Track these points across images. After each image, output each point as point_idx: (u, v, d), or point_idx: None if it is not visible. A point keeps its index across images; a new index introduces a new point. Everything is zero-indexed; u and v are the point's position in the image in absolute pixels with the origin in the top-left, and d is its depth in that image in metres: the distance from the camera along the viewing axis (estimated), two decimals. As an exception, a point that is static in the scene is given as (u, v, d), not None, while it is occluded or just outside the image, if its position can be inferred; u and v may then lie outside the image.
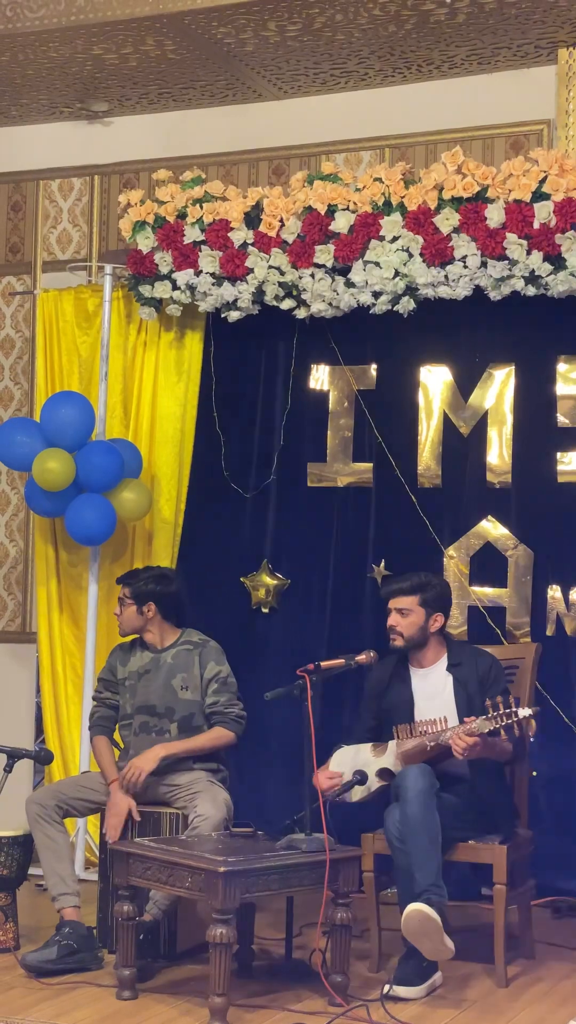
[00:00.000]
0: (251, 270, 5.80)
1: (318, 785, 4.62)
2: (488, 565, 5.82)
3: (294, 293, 5.80)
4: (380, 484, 5.99)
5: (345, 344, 6.01)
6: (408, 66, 6.14)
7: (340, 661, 4.71)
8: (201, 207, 5.90)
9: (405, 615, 4.86)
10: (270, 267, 5.77)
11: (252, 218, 5.83)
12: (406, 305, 5.60)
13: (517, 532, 5.79)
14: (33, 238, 6.96)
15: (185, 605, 5.31)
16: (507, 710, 4.47)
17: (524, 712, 4.49)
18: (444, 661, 4.89)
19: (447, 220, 5.45)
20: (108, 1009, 4.30)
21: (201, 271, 5.90)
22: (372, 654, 4.78)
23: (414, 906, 4.28)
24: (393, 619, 4.87)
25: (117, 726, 5.19)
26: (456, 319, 5.74)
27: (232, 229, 5.83)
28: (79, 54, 6.14)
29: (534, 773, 5.02)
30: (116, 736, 5.25)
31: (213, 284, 5.90)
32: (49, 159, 6.92)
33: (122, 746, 5.19)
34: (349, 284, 5.66)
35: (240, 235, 5.81)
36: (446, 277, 5.51)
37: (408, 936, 4.33)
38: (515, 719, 4.47)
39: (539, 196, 5.35)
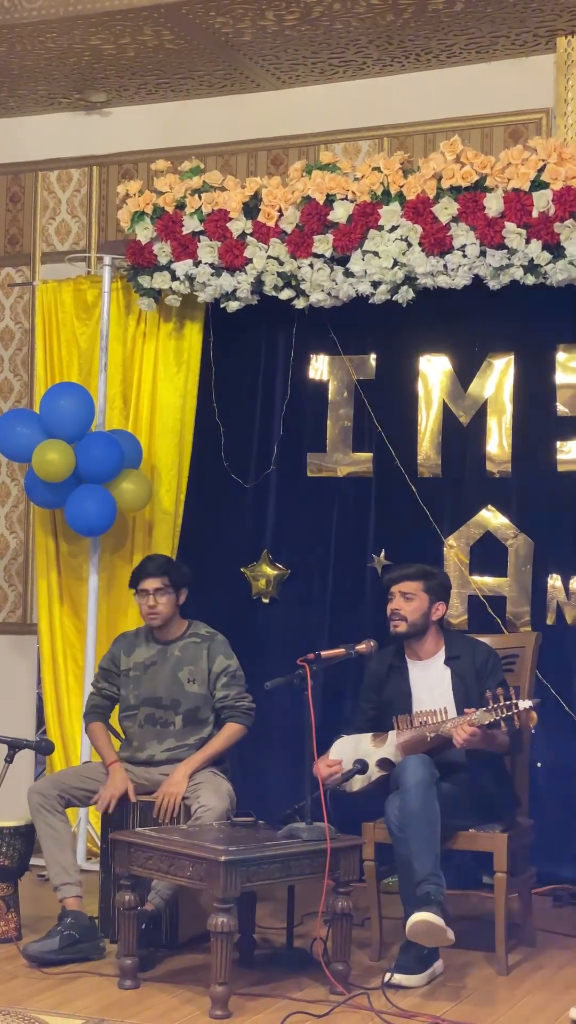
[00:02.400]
0: (250, 260, 5.80)
1: (318, 774, 4.63)
2: (488, 554, 5.83)
3: (293, 283, 5.80)
4: (380, 474, 5.99)
5: (344, 334, 6.01)
6: (406, 55, 6.13)
7: (341, 651, 4.71)
8: (200, 197, 5.90)
9: (409, 599, 4.86)
10: (269, 257, 5.77)
11: (251, 208, 5.82)
12: (405, 295, 5.60)
13: (517, 521, 5.79)
14: (32, 229, 6.95)
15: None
16: (507, 702, 4.48)
17: (524, 704, 4.49)
18: (442, 654, 4.90)
19: (446, 209, 5.45)
20: (110, 998, 4.31)
21: (200, 261, 5.90)
22: (372, 643, 4.78)
23: (420, 916, 4.28)
24: (397, 603, 4.87)
25: (120, 717, 5.18)
26: (455, 308, 5.74)
27: (231, 219, 5.82)
28: (77, 44, 6.13)
29: (539, 764, 5.01)
30: (116, 725, 5.25)
31: (212, 274, 5.90)
32: (47, 150, 6.91)
33: (123, 736, 5.19)
34: (348, 274, 5.66)
35: (239, 225, 5.80)
36: (445, 266, 5.51)
37: (412, 939, 4.34)
38: (515, 711, 4.47)
39: (538, 185, 5.34)
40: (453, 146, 5.51)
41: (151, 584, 5.11)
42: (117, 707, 5.22)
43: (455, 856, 5.21)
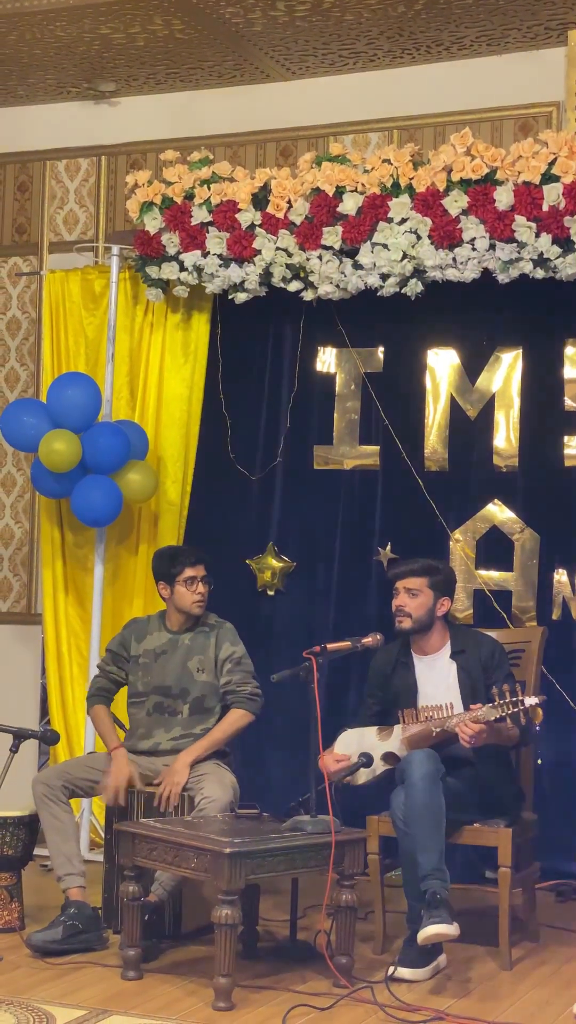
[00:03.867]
0: (258, 251, 5.78)
1: (325, 767, 4.63)
2: (494, 549, 5.82)
3: (301, 275, 5.78)
4: (387, 467, 5.98)
5: (352, 326, 6.00)
6: (417, 47, 6.11)
7: (346, 643, 4.71)
8: (209, 188, 5.88)
9: (414, 595, 4.85)
10: (277, 249, 5.76)
11: (260, 199, 5.81)
12: (414, 287, 5.59)
13: (523, 516, 5.78)
14: (40, 219, 6.94)
15: None
16: (513, 698, 4.47)
17: (530, 700, 4.48)
18: (448, 648, 4.88)
19: (456, 202, 5.43)
20: (113, 989, 4.31)
21: (208, 252, 5.89)
22: (378, 636, 4.77)
23: (433, 930, 4.27)
24: (401, 599, 4.85)
25: (128, 703, 5.16)
26: (464, 302, 5.72)
27: (240, 210, 5.80)
28: (86, 34, 6.11)
29: (539, 762, 5.01)
30: (121, 714, 5.24)
31: (220, 265, 5.89)
32: (56, 139, 6.90)
33: (127, 726, 5.18)
34: (357, 266, 5.64)
35: (247, 216, 5.79)
36: (454, 259, 5.49)
37: (423, 944, 4.35)
38: (521, 707, 4.46)
39: (548, 178, 5.33)
40: (463, 139, 5.49)
41: (201, 571, 5.08)
42: (121, 692, 5.20)
43: (459, 850, 5.20)
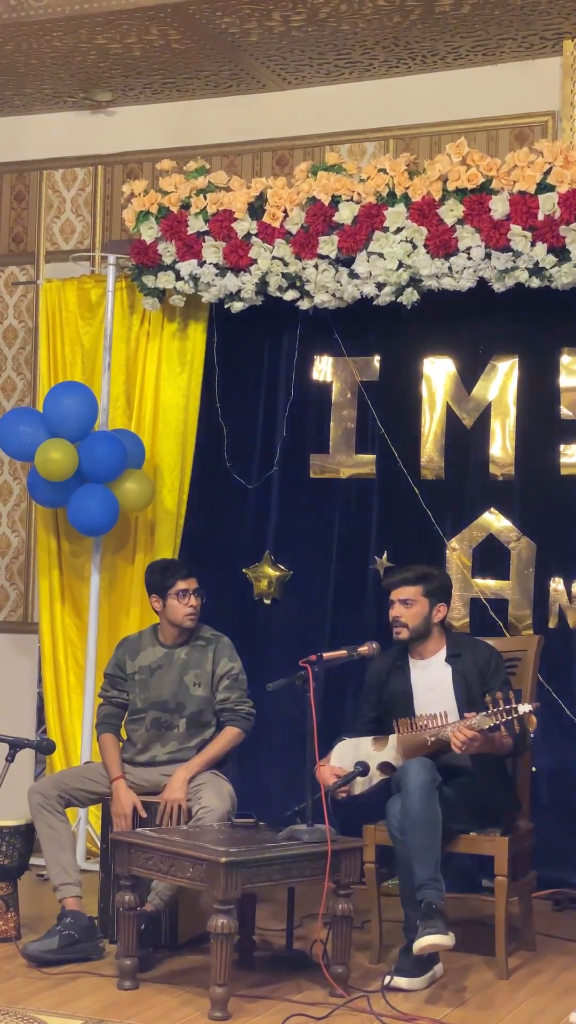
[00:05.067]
0: (254, 261, 5.79)
1: (323, 780, 4.63)
2: (491, 557, 5.82)
3: (297, 284, 5.79)
4: (383, 476, 5.98)
5: (348, 335, 6.01)
6: (413, 57, 6.13)
7: (342, 652, 4.70)
8: (205, 197, 5.89)
9: (409, 605, 4.85)
10: (273, 258, 5.76)
11: (256, 208, 5.82)
12: (410, 296, 5.59)
13: (520, 524, 5.79)
14: (36, 228, 6.95)
15: None
16: (507, 706, 4.46)
17: (524, 708, 4.47)
18: (444, 652, 4.89)
19: (451, 211, 5.44)
20: (109, 999, 4.30)
21: (204, 261, 5.89)
22: (374, 645, 4.77)
23: (429, 940, 4.27)
24: (397, 610, 4.86)
25: (126, 721, 5.15)
26: (460, 311, 5.73)
27: (236, 220, 5.81)
28: (83, 43, 6.12)
29: (534, 769, 5.01)
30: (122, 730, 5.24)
31: (216, 275, 5.89)
32: (53, 149, 6.91)
33: (125, 738, 5.17)
34: (353, 275, 5.65)
35: (244, 226, 5.80)
36: (450, 268, 5.50)
37: (418, 954, 4.34)
38: (515, 715, 4.46)
39: (544, 188, 5.34)
40: (459, 148, 5.50)
41: (193, 584, 5.08)
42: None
43: (456, 859, 5.20)
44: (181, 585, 5.06)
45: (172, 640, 5.12)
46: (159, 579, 5.12)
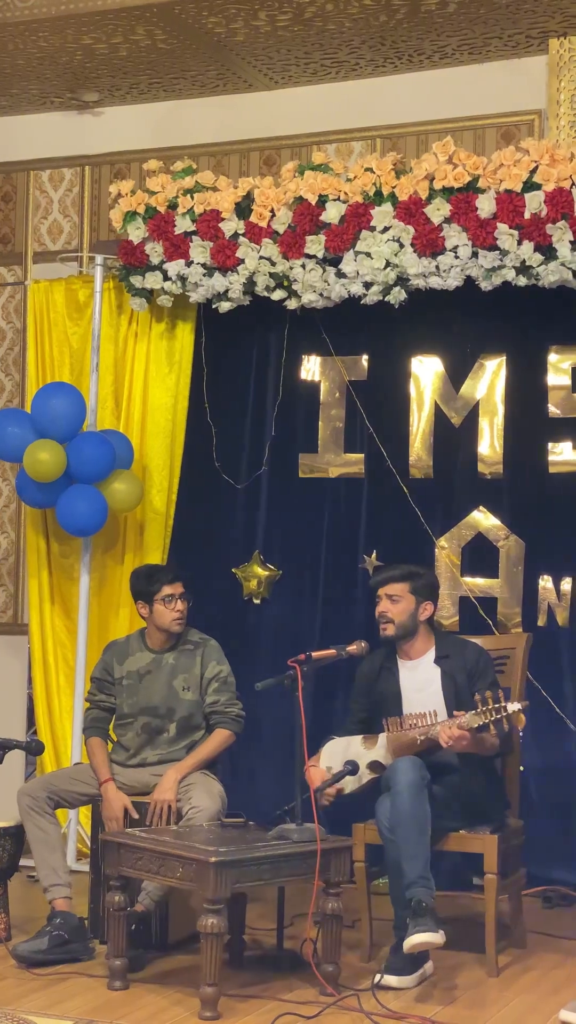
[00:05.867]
0: (242, 261, 5.79)
1: (311, 781, 4.63)
2: (479, 556, 5.82)
3: (285, 284, 5.79)
4: (371, 475, 5.99)
5: (336, 335, 6.01)
6: (399, 56, 6.13)
7: (331, 651, 4.71)
8: (192, 197, 5.89)
9: (396, 601, 4.85)
10: (261, 258, 5.76)
11: (243, 208, 5.81)
12: (397, 296, 5.60)
13: (508, 522, 5.80)
14: (24, 229, 6.94)
15: None
16: (496, 705, 4.47)
17: (513, 707, 4.48)
18: (432, 653, 4.89)
19: (438, 210, 5.44)
20: (99, 999, 4.30)
21: (192, 261, 5.89)
22: (363, 644, 4.77)
23: (419, 939, 4.27)
24: (384, 606, 4.87)
25: (114, 725, 5.15)
26: (447, 309, 5.73)
27: (223, 219, 5.81)
28: (69, 44, 6.12)
29: (522, 768, 5.02)
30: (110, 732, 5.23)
31: (204, 275, 5.89)
32: (39, 149, 6.90)
33: (114, 739, 5.17)
34: (340, 275, 5.65)
35: (231, 225, 5.80)
36: (437, 267, 5.50)
37: (408, 952, 4.35)
38: (504, 714, 4.46)
39: (530, 186, 5.34)
40: (445, 147, 5.50)
41: (179, 588, 5.07)
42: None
43: (445, 857, 5.21)
44: (167, 590, 5.05)
45: (160, 645, 5.12)
46: (144, 585, 5.10)
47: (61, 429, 5.93)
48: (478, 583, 5.83)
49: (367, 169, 5.61)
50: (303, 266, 5.70)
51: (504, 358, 5.83)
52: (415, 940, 4.28)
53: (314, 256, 5.67)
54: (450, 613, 5.80)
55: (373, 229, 5.56)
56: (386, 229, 5.54)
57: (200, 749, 4.97)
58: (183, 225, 5.89)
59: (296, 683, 4.46)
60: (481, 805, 4.73)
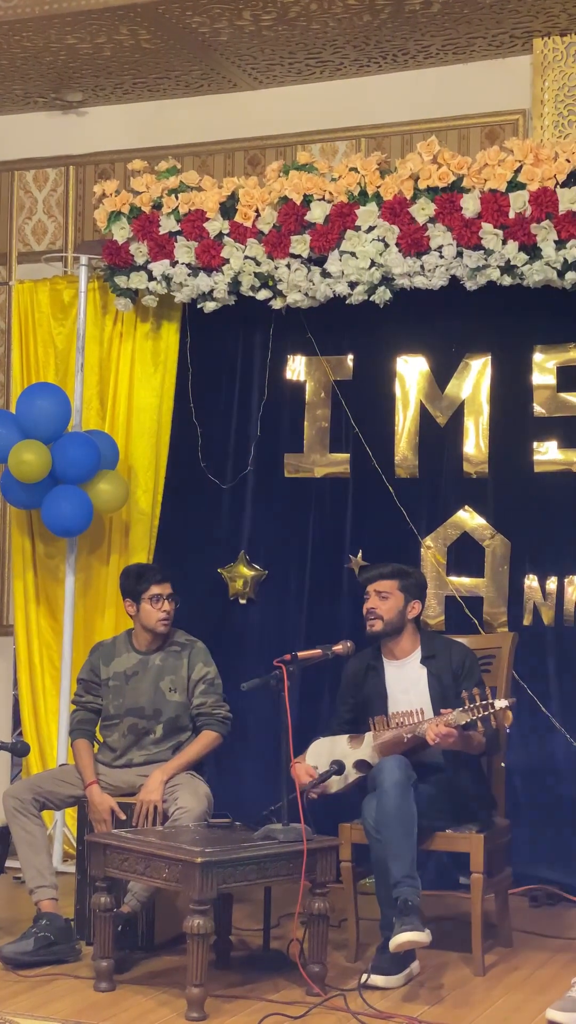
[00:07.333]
0: (227, 260, 5.78)
1: (297, 778, 4.62)
2: (465, 555, 5.83)
3: (270, 283, 5.79)
4: (357, 475, 5.99)
5: (321, 335, 6.01)
6: (383, 56, 6.13)
7: (317, 651, 4.70)
8: (176, 197, 5.88)
9: (384, 598, 4.86)
10: (246, 257, 5.76)
11: (228, 208, 5.81)
12: (382, 295, 5.60)
13: (494, 522, 5.80)
14: (8, 229, 6.93)
15: None
16: (483, 702, 4.47)
17: (500, 703, 4.49)
18: (418, 653, 4.89)
19: (423, 210, 5.45)
20: (85, 1001, 4.30)
21: (177, 261, 5.88)
22: (349, 644, 4.77)
23: (405, 937, 4.27)
24: (373, 602, 4.87)
25: (100, 727, 5.14)
26: (432, 309, 5.73)
27: (208, 219, 5.81)
28: (53, 44, 6.11)
29: (503, 764, 5.03)
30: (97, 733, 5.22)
31: (189, 275, 5.88)
32: (23, 149, 6.89)
33: (101, 740, 5.16)
34: (325, 274, 5.65)
35: (216, 225, 5.79)
36: (422, 267, 5.51)
37: (395, 952, 4.34)
38: (491, 711, 4.47)
39: (514, 186, 5.35)
40: (430, 147, 5.50)
41: (167, 588, 5.07)
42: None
43: (432, 857, 5.21)
44: (155, 590, 5.05)
45: (146, 646, 5.11)
46: (133, 583, 5.10)
47: (46, 430, 5.91)
48: (464, 582, 5.83)
49: (352, 169, 5.61)
50: (288, 266, 5.70)
51: (489, 357, 5.83)
52: (402, 939, 4.28)
53: (299, 256, 5.67)
54: (436, 612, 5.81)
55: (358, 229, 5.56)
56: (371, 229, 5.54)
57: (187, 750, 4.97)
58: (168, 225, 5.88)
59: (282, 683, 4.45)
60: (468, 804, 4.73)
